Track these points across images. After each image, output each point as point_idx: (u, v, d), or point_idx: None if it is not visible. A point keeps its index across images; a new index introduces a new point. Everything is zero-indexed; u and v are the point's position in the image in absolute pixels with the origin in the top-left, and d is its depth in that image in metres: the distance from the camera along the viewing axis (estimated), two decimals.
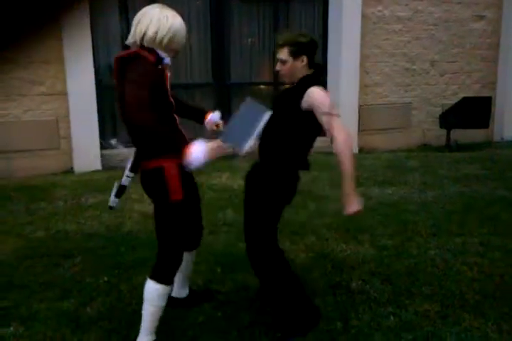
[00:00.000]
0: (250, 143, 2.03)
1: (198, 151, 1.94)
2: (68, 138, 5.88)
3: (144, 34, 2.04)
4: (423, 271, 3.04)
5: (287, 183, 2.35)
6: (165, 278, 2.16)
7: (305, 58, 2.27)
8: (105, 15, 6.15)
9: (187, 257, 2.38)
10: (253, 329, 2.40)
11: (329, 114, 2.15)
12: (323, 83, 2.36)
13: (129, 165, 2.20)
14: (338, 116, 2.18)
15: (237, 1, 6.78)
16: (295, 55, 2.25)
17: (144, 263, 3.13)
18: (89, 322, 2.48)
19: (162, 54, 2.08)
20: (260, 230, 2.34)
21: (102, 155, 6.00)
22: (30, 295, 2.74)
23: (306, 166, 2.39)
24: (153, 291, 2.14)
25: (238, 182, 5.07)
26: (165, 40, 2.05)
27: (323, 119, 2.17)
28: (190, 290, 2.67)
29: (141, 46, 2.06)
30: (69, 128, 5.86)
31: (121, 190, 2.25)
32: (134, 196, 4.46)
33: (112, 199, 2.25)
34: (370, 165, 6.07)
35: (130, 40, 2.10)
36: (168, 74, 2.14)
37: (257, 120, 2.05)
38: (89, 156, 5.92)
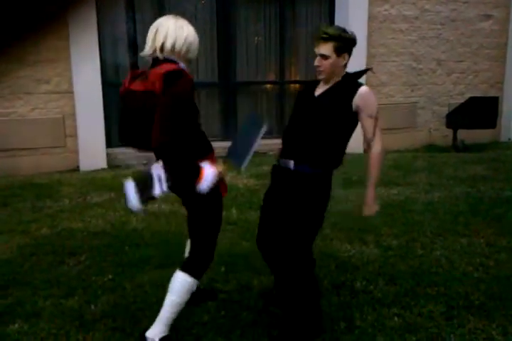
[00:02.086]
0: (248, 160, 2.16)
1: (208, 178, 2.08)
2: (74, 136, 5.91)
3: (163, 45, 2.07)
4: (428, 272, 3.02)
5: (328, 185, 2.29)
6: (197, 272, 2.22)
7: (347, 56, 2.17)
8: (112, 15, 6.16)
9: None
10: (256, 328, 2.40)
11: (376, 120, 2.13)
12: None
13: (164, 180, 2.11)
14: (378, 120, 2.16)
15: (243, 0, 6.77)
16: (339, 51, 2.14)
17: (149, 261, 3.14)
18: (93, 319, 2.49)
19: (182, 65, 2.12)
20: (301, 241, 2.24)
21: (107, 154, 6.02)
22: (35, 293, 2.76)
23: (340, 162, 2.34)
24: (184, 283, 2.18)
25: (243, 182, 5.08)
26: (183, 51, 2.11)
27: (368, 122, 2.14)
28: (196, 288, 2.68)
29: (164, 58, 2.08)
30: (75, 126, 5.88)
31: (148, 200, 2.19)
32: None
33: (138, 207, 2.16)
34: None
35: (148, 51, 2.12)
36: None
37: (254, 136, 2.15)
38: (95, 154, 5.94)
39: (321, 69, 2.19)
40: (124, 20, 6.21)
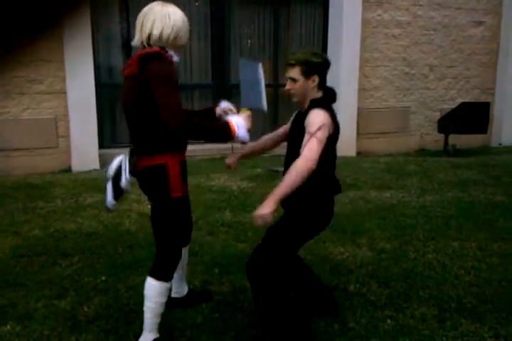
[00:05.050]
0: (265, 99, 2.25)
1: (240, 126, 2.12)
2: (67, 137, 5.88)
3: (150, 35, 2.06)
4: (420, 275, 3.04)
5: (321, 212, 2.29)
6: (164, 274, 2.18)
7: (316, 78, 2.23)
8: (106, 15, 6.15)
9: (183, 253, 2.40)
10: (251, 330, 2.40)
11: (310, 135, 2.10)
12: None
13: (127, 168, 2.15)
14: (319, 140, 2.09)
15: (237, 2, 6.79)
16: (307, 74, 2.21)
17: (142, 262, 3.13)
18: (86, 321, 2.47)
19: (171, 52, 2.12)
20: (279, 253, 2.24)
21: (100, 155, 5.99)
22: (27, 294, 2.73)
23: (338, 189, 2.33)
24: (153, 288, 2.16)
25: (237, 184, 5.08)
26: (170, 39, 2.09)
27: (305, 138, 2.12)
28: (189, 289, 2.67)
29: (148, 46, 2.08)
30: (67, 127, 5.86)
31: (121, 194, 2.22)
32: (132, 196, 4.46)
33: (111, 202, 2.21)
34: (368, 168, 6.09)
35: (137, 42, 2.12)
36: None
37: (257, 76, 2.25)
38: (87, 155, 5.92)
39: (292, 92, 2.28)
40: (118, 21, 6.21)
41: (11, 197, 4.59)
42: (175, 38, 2.09)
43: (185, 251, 2.49)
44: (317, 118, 2.16)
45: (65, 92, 5.79)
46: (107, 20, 6.17)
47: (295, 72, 2.22)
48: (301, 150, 2.11)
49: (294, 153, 2.22)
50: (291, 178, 2.05)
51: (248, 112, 2.24)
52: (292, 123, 2.44)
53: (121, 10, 6.19)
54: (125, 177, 2.14)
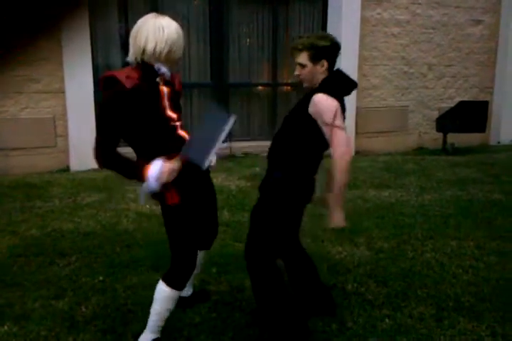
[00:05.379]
0: (211, 159, 2.03)
1: (152, 176, 1.98)
2: (65, 136, 5.87)
3: (144, 51, 2.02)
4: (418, 274, 3.04)
5: (299, 190, 2.25)
6: (177, 283, 2.14)
7: (325, 62, 2.17)
8: (104, 15, 6.13)
9: (199, 257, 2.34)
10: (248, 330, 2.40)
11: (331, 125, 2.07)
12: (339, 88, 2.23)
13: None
14: (341, 127, 2.07)
15: (236, 1, 6.78)
16: (314, 59, 2.15)
17: (140, 262, 3.13)
18: (83, 321, 2.47)
19: (158, 65, 2.04)
20: (265, 243, 2.24)
21: None
22: (25, 294, 2.73)
23: (311, 172, 2.30)
24: (162, 293, 2.14)
25: (235, 183, 5.08)
26: (164, 53, 2.03)
27: (325, 130, 2.10)
28: (192, 291, 2.66)
29: (141, 63, 2.04)
30: (66, 126, 5.84)
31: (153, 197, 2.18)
32: (130, 195, 4.45)
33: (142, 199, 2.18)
34: (366, 167, 6.09)
35: (131, 57, 2.07)
36: (165, 89, 2.09)
37: (219, 130, 1.99)
38: (85, 155, 5.82)
39: (302, 77, 2.23)
40: (117, 20, 6.20)
41: (9, 197, 4.59)
42: (169, 52, 2.03)
43: (200, 255, 2.42)
44: (325, 104, 2.10)
45: (63, 92, 5.77)
46: (105, 19, 6.15)
47: (302, 58, 2.16)
48: (330, 144, 2.10)
49: (282, 131, 2.24)
50: (340, 176, 2.08)
51: (177, 164, 2.00)
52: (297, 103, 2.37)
53: (119, 8, 6.17)
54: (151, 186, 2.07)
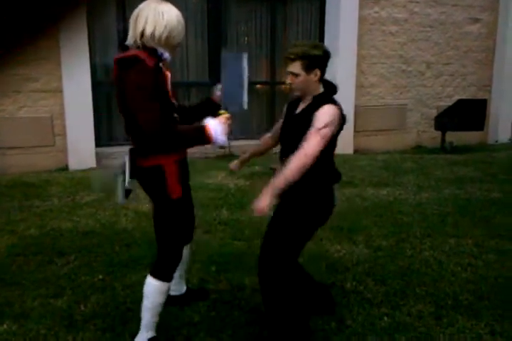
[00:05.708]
0: (246, 97, 2.15)
1: (217, 130, 2.03)
2: (63, 135, 5.86)
3: (142, 34, 2.03)
4: (417, 272, 3.05)
5: (321, 201, 2.25)
6: (165, 274, 2.17)
7: (318, 72, 2.17)
8: (102, 14, 6.13)
9: (184, 252, 2.38)
10: (248, 328, 2.40)
11: (316, 130, 2.07)
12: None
13: (128, 170, 2.13)
14: (322, 137, 2.07)
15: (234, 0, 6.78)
16: (308, 68, 2.15)
17: (139, 261, 3.13)
18: (83, 320, 2.47)
19: (161, 50, 2.07)
20: (285, 252, 2.22)
21: (96, 153, 5.97)
22: (24, 293, 2.73)
23: (337, 178, 2.30)
24: (152, 288, 2.15)
25: (233, 182, 5.08)
26: (163, 38, 2.04)
27: (310, 131, 2.09)
28: (186, 287, 2.67)
29: (142, 46, 2.05)
30: (64, 125, 5.84)
31: (128, 193, 2.21)
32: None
33: (122, 202, 2.23)
34: (365, 166, 6.09)
35: (130, 40, 2.08)
36: (169, 74, 2.13)
37: (240, 69, 2.13)
38: (83, 154, 5.90)
39: (294, 86, 2.23)
40: (115, 19, 6.19)
41: (7, 196, 4.58)
42: (167, 37, 2.05)
43: (186, 250, 2.47)
44: (326, 115, 2.12)
45: (61, 91, 5.76)
46: (103, 19, 6.14)
47: (295, 67, 2.15)
48: (303, 142, 2.09)
49: (291, 144, 2.21)
50: (289, 172, 2.04)
51: (226, 114, 2.13)
52: (286, 114, 2.40)
53: (118, 7, 6.16)
54: (127, 179, 2.12)
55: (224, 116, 2.11)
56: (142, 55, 1.99)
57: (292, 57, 2.15)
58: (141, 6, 2.08)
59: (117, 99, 2.10)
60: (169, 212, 2.15)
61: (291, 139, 2.27)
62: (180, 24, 2.10)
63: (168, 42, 2.07)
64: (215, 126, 2.04)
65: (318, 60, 2.17)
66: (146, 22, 2.02)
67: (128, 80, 1.97)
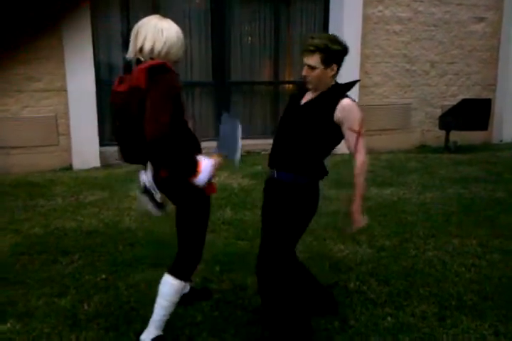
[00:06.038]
0: (240, 153, 2.22)
1: (205, 171, 2.07)
2: (67, 134, 5.87)
3: (141, 49, 2.07)
4: (421, 272, 3.04)
5: (312, 195, 2.27)
6: (185, 274, 2.21)
7: (335, 67, 2.15)
8: (106, 13, 6.13)
9: None
10: (250, 328, 2.40)
11: (358, 133, 2.12)
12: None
13: (153, 184, 2.15)
14: (364, 136, 2.14)
15: (237, 0, 6.76)
16: (327, 62, 2.11)
17: (142, 260, 3.14)
18: (86, 319, 2.48)
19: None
20: (282, 247, 2.24)
21: (100, 153, 5.99)
22: (28, 292, 2.74)
23: (325, 173, 2.32)
24: (170, 286, 2.18)
25: (237, 181, 5.08)
26: (162, 53, 2.08)
27: (348, 134, 2.13)
28: (189, 287, 2.67)
29: (138, 60, 2.08)
30: (68, 124, 5.85)
31: (162, 205, 2.22)
32: (133, 194, 4.45)
33: (157, 213, 2.23)
34: (369, 165, 6.04)
35: (130, 54, 2.13)
36: None
37: (236, 131, 2.26)
38: (88, 153, 5.91)
39: (309, 79, 2.18)
40: (119, 18, 6.18)
41: (11, 195, 4.60)
42: (167, 53, 2.08)
43: None
44: (354, 112, 2.14)
45: (65, 90, 5.77)
46: (107, 17, 6.14)
47: (314, 60, 2.11)
48: (351, 148, 2.16)
49: (290, 135, 2.22)
50: (361, 187, 2.19)
51: (220, 159, 2.18)
52: (289, 105, 2.36)
53: (121, 6, 6.16)
54: (156, 193, 2.15)
55: (217, 159, 2.16)
56: (167, 64, 2.04)
57: (312, 49, 2.10)
58: (141, 22, 2.11)
59: (133, 109, 2.05)
60: (200, 211, 2.19)
61: (292, 130, 2.25)
62: (180, 40, 2.13)
63: (166, 57, 2.09)
64: (206, 167, 2.08)
65: (337, 54, 2.14)
66: (145, 38, 2.06)
67: (161, 85, 1.98)
